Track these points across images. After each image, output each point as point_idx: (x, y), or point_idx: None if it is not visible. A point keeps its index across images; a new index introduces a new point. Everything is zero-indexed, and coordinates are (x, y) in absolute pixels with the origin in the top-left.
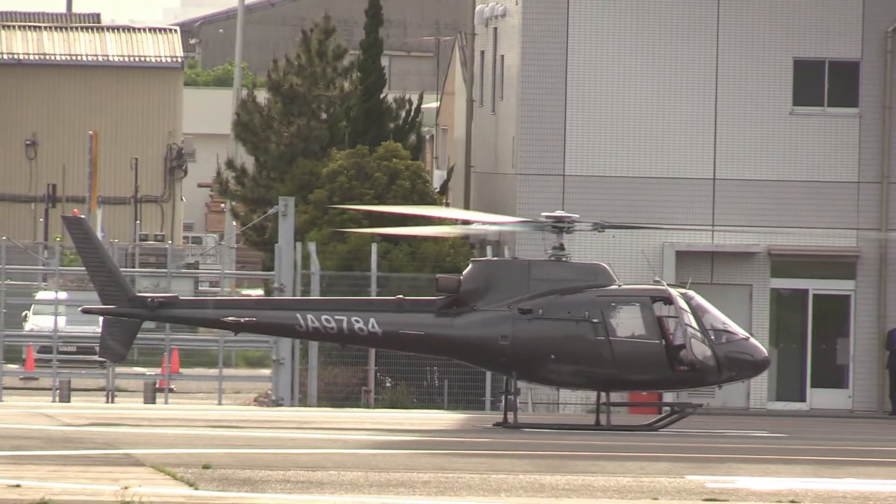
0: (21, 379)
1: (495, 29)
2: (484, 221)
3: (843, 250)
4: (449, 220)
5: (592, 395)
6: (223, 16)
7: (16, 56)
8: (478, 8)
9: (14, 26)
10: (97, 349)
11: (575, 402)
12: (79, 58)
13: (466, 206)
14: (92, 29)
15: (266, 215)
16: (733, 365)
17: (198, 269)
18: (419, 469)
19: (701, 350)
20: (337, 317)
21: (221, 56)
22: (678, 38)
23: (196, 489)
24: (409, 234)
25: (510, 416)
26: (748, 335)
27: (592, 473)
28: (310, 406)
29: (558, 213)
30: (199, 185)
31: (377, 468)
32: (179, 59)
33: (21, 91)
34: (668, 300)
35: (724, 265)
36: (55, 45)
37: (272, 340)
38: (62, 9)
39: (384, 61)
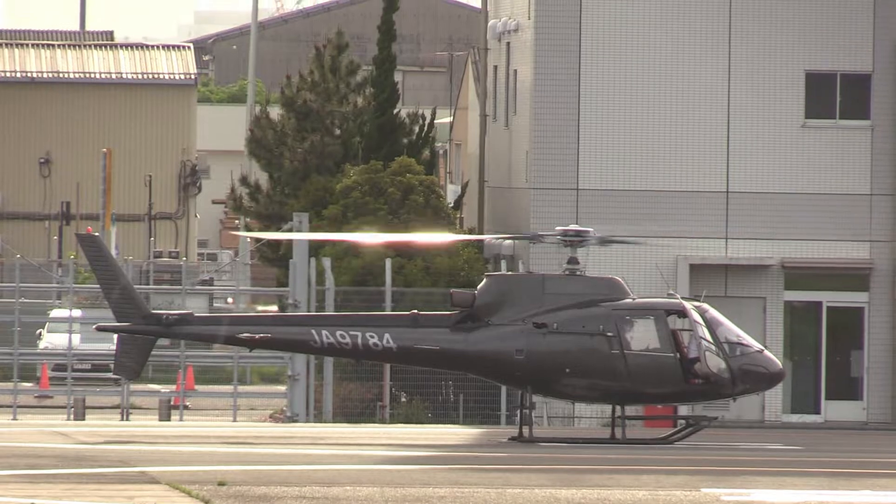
0: (36, 397)
1: (508, 44)
2: (488, 237)
3: (856, 262)
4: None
5: (607, 408)
6: (236, 32)
7: (29, 74)
8: (490, 23)
9: (27, 44)
10: (112, 367)
11: (590, 415)
12: (92, 75)
13: (480, 221)
14: (105, 46)
15: (280, 231)
16: (748, 377)
17: (212, 285)
18: (435, 484)
19: (715, 363)
20: (352, 332)
21: (235, 72)
22: (691, 52)
23: None
24: (421, 242)
25: (525, 430)
26: (762, 348)
27: (608, 487)
28: (325, 422)
29: (572, 227)
30: (214, 202)
31: (393, 483)
32: (193, 76)
33: (35, 109)
34: (683, 313)
35: (738, 278)
36: (68, 63)
37: (287, 356)
38: (75, 27)
39: (397, 77)
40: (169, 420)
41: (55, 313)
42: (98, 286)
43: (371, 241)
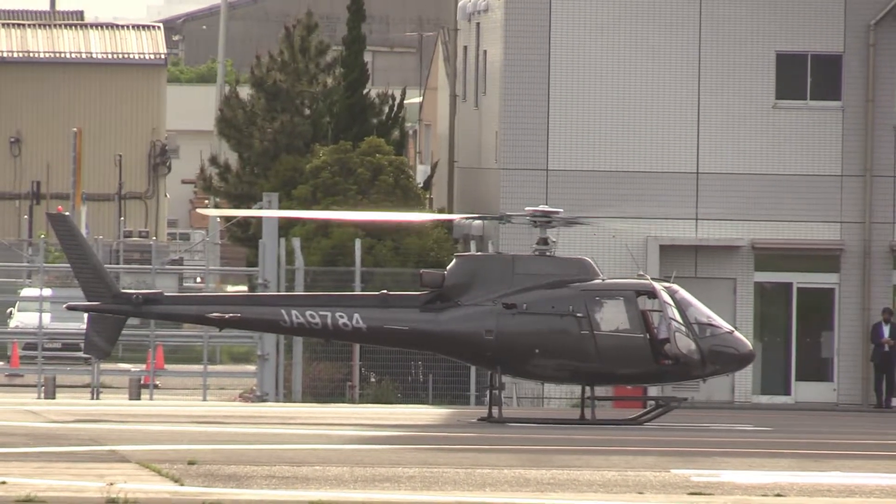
0: (6, 376)
1: (478, 24)
2: (457, 217)
3: (826, 244)
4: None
5: (577, 389)
6: (206, 12)
7: None
8: (460, 3)
9: None
10: (82, 346)
11: (560, 396)
12: (62, 55)
13: (450, 201)
14: (75, 26)
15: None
16: (718, 358)
17: (182, 265)
18: (404, 464)
19: (685, 344)
20: (321, 312)
21: (205, 52)
22: (661, 32)
23: (181, 485)
24: (390, 220)
25: (495, 410)
26: (732, 329)
27: (577, 468)
28: (294, 402)
29: (541, 207)
30: (183, 182)
31: (362, 463)
32: (163, 56)
33: (5, 89)
34: (653, 294)
35: (708, 259)
36: (39, 43)
37: (257, 336)
38: (46, 6)
39: (367, 57)
40: (139, 399)
41: (25, 292)
42: (68, 265)
43: (345, 219)
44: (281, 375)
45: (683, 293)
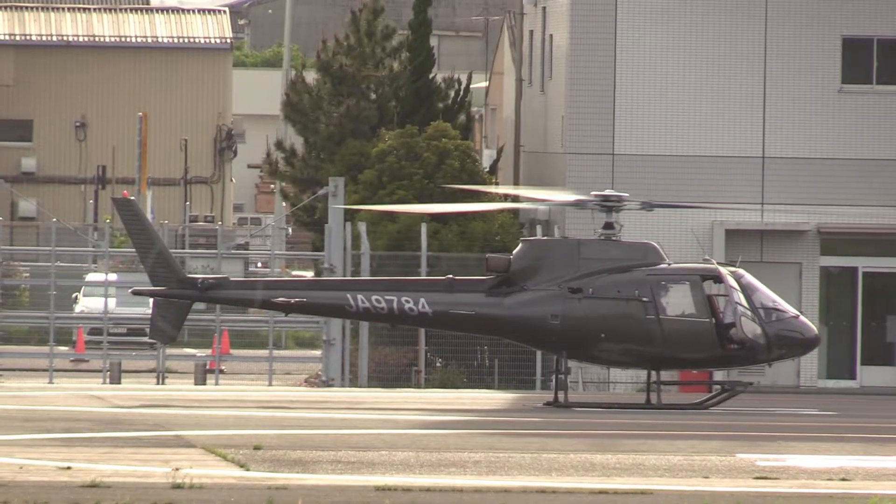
0: (71, 361)
1: (544, 8)
2: (534, 198)
3: (892, 228)
4: (498, 196)
5: (643, 373)
6: None
7: (65, 38)
8: None
9: (63, 8)
10: (147, 331)
11: (625, 380)
12: (128, 39)
13: (516, 186)
14: (141, 10)
15: (316, 196)
16: (783, 343)
17: (248, 250)
18: (470, 449)
19: (751, 328)
20: (387, 297)
21: (270, 37)
22: (727, 16)
23: (247, 470)
24: (459, 211)
25: (561, 395)
26: (798, 313)
27: (643, 452)
28: (360, 386)
29: (607, 191)
30: (249, 166)
31: (428, 448)
32: (228, 41)
33: (71, 73)
34: (718, 278)
35: (774, 243)
36: (104, 27)
37: (322, 321)
38: None
39: (433, 41)
40: (204, 384)
41: (91, 277)
42: (134, 250)
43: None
44: (347, 360)
45: (749, 278)
